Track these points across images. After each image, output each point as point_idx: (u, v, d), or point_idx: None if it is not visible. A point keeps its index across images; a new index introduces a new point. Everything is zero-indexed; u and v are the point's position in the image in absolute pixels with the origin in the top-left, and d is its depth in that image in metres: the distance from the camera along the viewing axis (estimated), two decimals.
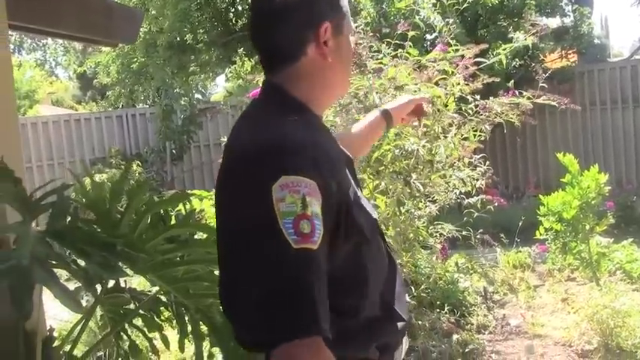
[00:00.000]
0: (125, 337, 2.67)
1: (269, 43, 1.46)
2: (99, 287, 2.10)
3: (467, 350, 4.37)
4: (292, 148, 1.31)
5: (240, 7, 12.50)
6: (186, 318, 2.25)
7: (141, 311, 2.50)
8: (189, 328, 2.28)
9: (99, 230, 1.82)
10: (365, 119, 2.23)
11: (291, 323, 1.21)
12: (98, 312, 2.79)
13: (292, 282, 1.22)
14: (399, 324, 1.53)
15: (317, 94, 1.48)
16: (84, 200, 1.94)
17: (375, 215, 1.51)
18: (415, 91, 4.21)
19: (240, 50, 11.52)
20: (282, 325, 1.21)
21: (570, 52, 11.21)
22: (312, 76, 1.46)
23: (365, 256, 1.42)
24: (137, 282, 3.86)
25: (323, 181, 1.29)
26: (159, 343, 2.76)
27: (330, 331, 1.25)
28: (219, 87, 19.08)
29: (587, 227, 5.55)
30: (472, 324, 4.82)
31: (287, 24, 1.41)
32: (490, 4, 9.68)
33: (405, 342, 1.59)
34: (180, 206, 2.64)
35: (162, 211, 2.26)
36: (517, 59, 9.09)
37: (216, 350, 2.43)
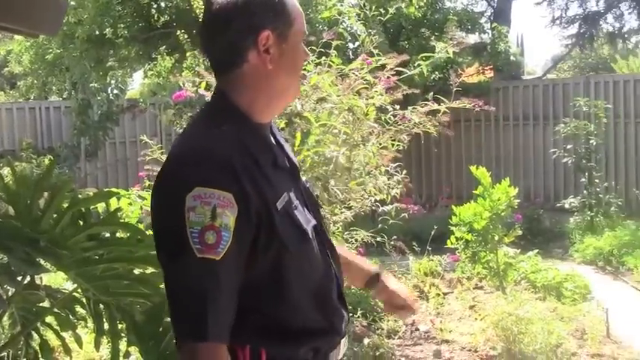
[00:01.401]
0: (36, 335, 2.61)
1: (212, 50, 1.51)
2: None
3: (377, 354, 4.47)
4: (210, 160, 1.37)
5: (162, 4, 12.34)
6: (104, 317, 2.22)
7: (55, 309, 2.46)
8: (106, 326, 2.26)
9: (19, 225, 1.79)
10: (358, 260, 2.02)
11: (186, 327, 1.34)
12: None
13: (189, 288, 1.33)
14: (334, 330, 1.57)
15: (262, 100, 1.50)
16: (4, 195, 1.90)
17: (309, 225, 1.52)
18: (338, 103, 4.27)
19: (162, 48, 11.34)
20: (179, 327, 1.35)
21: (487, 67, 11.59)
22: (256, 82, 1.48)
23: (287, 265, 1.44)
24: (47, 278, 3.77)
25: (242, 192, 1.35)
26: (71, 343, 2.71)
27: (254, 330, 1.41)
28: (135, 83, 18.63)
29: (496, 238, 5.77)
30: (383, 329, 4.92)
31: (227, 31, 1.45)
32: (413, 17, 9.92)
33: (344, 344, 1.63)
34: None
35: (82, 209, 2.23)
36: (436, 72, 9.33)
37: (132, 349, 2.42)
